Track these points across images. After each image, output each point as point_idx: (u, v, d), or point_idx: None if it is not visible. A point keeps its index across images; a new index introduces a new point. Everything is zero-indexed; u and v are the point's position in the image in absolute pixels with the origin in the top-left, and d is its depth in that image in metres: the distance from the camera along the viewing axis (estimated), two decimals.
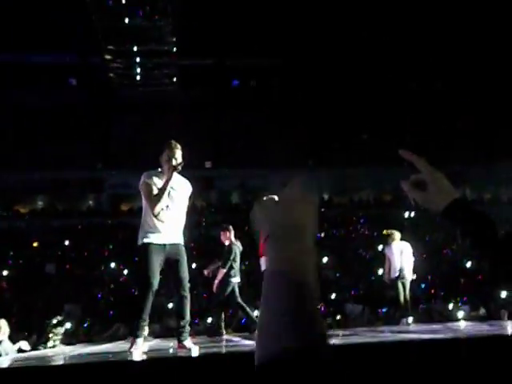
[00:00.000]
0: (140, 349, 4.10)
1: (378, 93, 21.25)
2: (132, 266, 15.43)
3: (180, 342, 4.26)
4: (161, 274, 4.33)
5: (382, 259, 10.08)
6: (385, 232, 9.72)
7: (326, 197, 22.13)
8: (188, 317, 4.33)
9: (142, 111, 21.27)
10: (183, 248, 4.40)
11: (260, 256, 6.41)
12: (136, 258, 16.59)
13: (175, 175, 4.39)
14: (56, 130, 20.16)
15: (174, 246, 4.34)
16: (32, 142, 19.89)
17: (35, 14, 18.51)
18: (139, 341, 4.14)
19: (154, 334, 9.12)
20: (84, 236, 17.80)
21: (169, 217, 4.29)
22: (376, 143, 20.09)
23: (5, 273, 15.88)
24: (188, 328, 4.32)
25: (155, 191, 4.30)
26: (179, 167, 4.38)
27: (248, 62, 21.53)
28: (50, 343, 7.96)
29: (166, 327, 12.23)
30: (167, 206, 4.30)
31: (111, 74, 19.38)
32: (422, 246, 12.54)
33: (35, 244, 16.94)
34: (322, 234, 19.37)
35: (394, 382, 2.70)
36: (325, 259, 16.71)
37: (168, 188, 4.30)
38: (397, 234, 9.36)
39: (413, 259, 9.33)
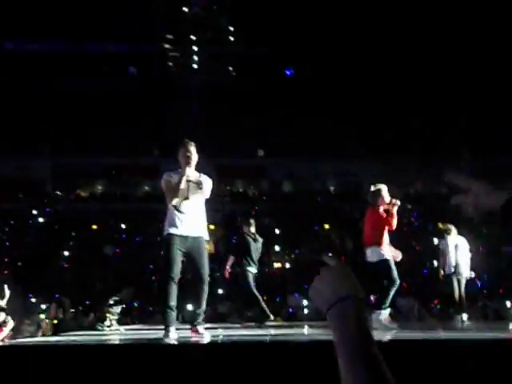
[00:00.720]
0: (172, 337, 4.16)
1: (435, 80, 20.54)
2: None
3: (193, 326, 4.49)
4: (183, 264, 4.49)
5: (436, 253, 9.83)
6: (440, 226, 9.47)
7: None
8: (204, 306, 4.58)
9: (197, 99, 21.55)
10: (204, 242, 4.67)
11: (366, 244, 6.22)
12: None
13: (193, 171, 4.70)
14: (115, 118, 20.79)
15: (196, 239, 4.58)
16: (93, 129, 20.63)
17: (96, 4, 19.09)
18: (171, 329, 4.26)
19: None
20: (140, 220, 18.37)
21: (189, 208, 4.53)
22: (430, 133, 19.50)
23: (66, 253, 16.68)
24: (202, 315, 4.56)
25: (173, 185, 4.58)
26: (191, 162, 4.66)
27: (302, 50, 21.32)
28: (106, 323, 8.29)
29: (216, 312, 12.46)
30: (187, 198, 4.53)
31: (169, 63, 19.75)
32: (479, 242, 12.12)
33: (94, 226, 17.62)
34: None
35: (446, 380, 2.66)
36: None
37: (184, 182, 4.56)
38: (453, 229, 9.09)
39: (469, 255, 9.04)
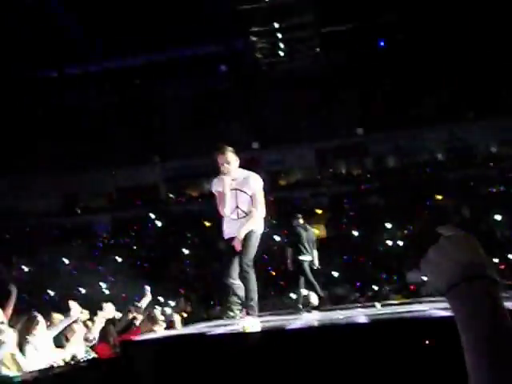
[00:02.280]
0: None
1: None
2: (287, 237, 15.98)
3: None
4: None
5: None
6: None
7: (493, 149, 20.28)
8: (250, 295, 4.53)
9: (290, 86, 21.56)
10: (249, 234, 4.50)
11: None
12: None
13: (237, 174, 4.57)
14: (211, 116, 21.51)
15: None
16: (197, 128, 21.52)
17: (179, 10, 19.81)
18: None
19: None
20: None
21: (240, 213, 4.51)
22: None
23: (186, 251, 17.67)
24: (251, 305, 4.51)
25: (220, 195, 4.55)
26: (225, 171, 4.52)
27: (393, 20, 20.41)
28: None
29: (334, 295, 12.50)
30: (237, 207, 4.50)
31: (258, 55, 19.98)
32: None
33: (207, 223, 18.44)
34: (494, 190, 17.87)
35: None
36: (498, 217, 15.48)
37: (228, 193, 4.49)
38: None
39: None
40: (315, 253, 8.25)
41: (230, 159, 4.54)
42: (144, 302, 7.03)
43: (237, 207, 4.51)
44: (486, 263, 0.82)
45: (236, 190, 4.53)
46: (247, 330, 3.63)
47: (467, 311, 0.78)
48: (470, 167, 19.15)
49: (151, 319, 6.09)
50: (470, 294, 0.79)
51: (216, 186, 4.64)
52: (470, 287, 0.79)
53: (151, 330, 5.73)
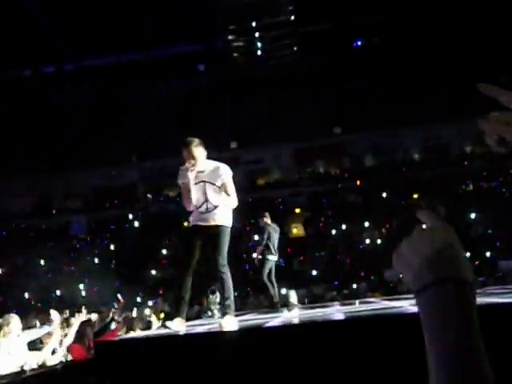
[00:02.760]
0: (175, 326, 3.85)
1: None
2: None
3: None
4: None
5: None
6: None
7: (467, 148, 20.64)
8: (227, 294, 4.27)
9: (267, 86, 21.57)
10: (220, 231, 4.34)
11: None
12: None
13: (206, 166, 4.42)
14: (189, 116, 21.37)
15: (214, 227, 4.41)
16: (174, 128, 21.38)
17: (157, 10, 19.67)
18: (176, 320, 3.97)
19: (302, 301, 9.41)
20: None
21: (209, 206, 4.35)
22: None
23: (164, 251, 17.54)
24: (228, 304, 4.23)
25: (186, 188, 4.38)
26: (191, 165, 4.35)
27: (369, 19, 20.59)
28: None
29: (312, 294, 12.54)
30: (206, 200, 4.35)
31: (235, 54, 19.94)
32: None
33: (185, 224, 18.33)
34: (471, 187, 18.17)
35: None
36: (473, 215, 15.74)
37: (194, 186, 4.33)
38: None
39: None
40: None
41: (196, 153, 4.38)
42: (119, 307, 6.94)
43: (206, 200, 4.34)
44: (462, 262, 0.74)
45: (204, 182, 4.37)
46: (225, 329, 3.61)
47: (435, 318, 0.71)
48: (445, 166, 19.45)
49: (128, 321, 6.03)
50: (438, 300, 0.71)
51: (181, 178, 4.45)
52: (440, 291, 0.71)
53: (128, 332, 5.66)
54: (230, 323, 3.93)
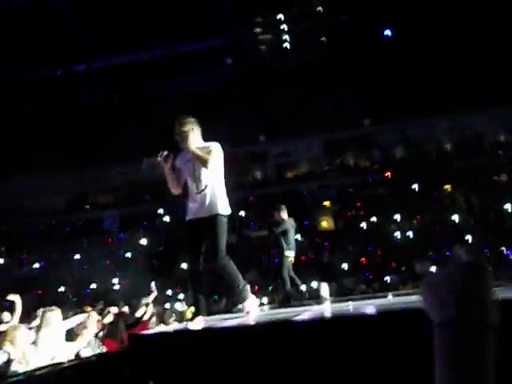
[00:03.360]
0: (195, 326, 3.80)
1: None
2: (301, 230, 15.92)
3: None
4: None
5: None
6: None
7: (501, 137, 20.10)
8: (235, 284, 4.11)
9: (295, 78, 21.45)
10: (216, 220, 4.15)
11: None
12: (306, 222, 17.20)
13: (197, 145, 4.23)
14: (217, 111, 21.44)
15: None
16: (203, 123, 21.48)
17: (182, 4, 19.77)
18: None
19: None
20: (255, 206, 18.89)
21: (200, 189, 4.18)
22: None
23: None
24: (241, 292, 4.08)
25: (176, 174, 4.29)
26: (181, 143, 4.25)
27: (398, 8, 20.21)
28: (239, 306, 8.70)
29: (342, 286, 12.48)
30: (198, 179, 4.18)
31: (262, 47, 19.89)
32: None
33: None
34: (505, 177, 17.72)
35: None
36: (507, 206, 15.37)
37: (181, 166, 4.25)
38: None
39: None
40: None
41: (185, 128, 4.24)
42: (150, 298, 7.06)
43: (195, 180, 4.17)
44: (490, 305, 0.73)
45: (193, 162, 4.20)
46: (248, 321, 3.58)
47: (450, 353, 0.71)
48: (479, 156, 18.99)
49: (159, 314, 6.12)
50: (459, 336, 0.71)
51: (178, 162, 4.34)
52: (463, 329, 0.71)
53: (159, 325, 5.76)
54: (252, 309, 3.82)
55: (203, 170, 4.12)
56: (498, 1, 18.59)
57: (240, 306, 8.82)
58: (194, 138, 4.25)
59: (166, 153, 4.23)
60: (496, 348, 0.71)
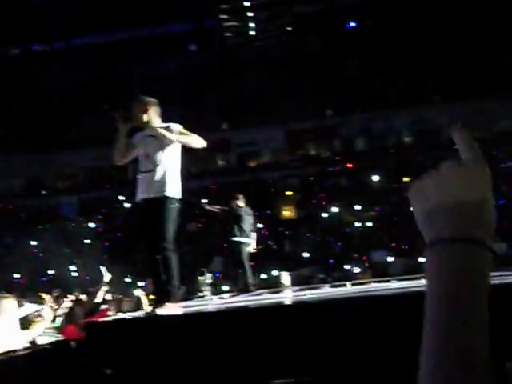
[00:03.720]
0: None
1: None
2: (264, 219, 15.97)
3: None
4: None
5: None
6: None
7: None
8: (168, 277, 3.78)
9: (259, 66, 21.41)
10: (165, 202, 3.96)
11: None
12: (268, 212, 17.29)
13: (154, 125, 4.07)
14: (181, 95, 21.20)
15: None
16: (165, 108, 21.22)
17: None
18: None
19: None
20: (217, 194, 18.83)
21: (148, 168, 4.02)
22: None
23: None
24: (171, 290, 3.78)
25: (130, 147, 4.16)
26: (133, 120, 4.09)
27: (365, 2, 20.39)
28: (199, 294, 8.69)
29: (302, 276, 12.62)
30: (148, 155, 3.97)
31: (228, 34, 19.72)
32: None
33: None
34: None
35: None
36: None
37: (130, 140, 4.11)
38: None
39: None
40: (253, 235, 7.96)
41: (145, 106, 4.09)
42: (106, 279, 6.92)
43: (146, 158, 3.97)
44: (485, 218, 0.62)
45: (147, 140, 4.04)
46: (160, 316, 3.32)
47: (436, 284, 0.60)
48: (435, 150, 19.50)
49: (117, 302, 6.04)
50: (444, 261, 0.60)
51: (133, 139, 4.18)
52: (450, 250, 0.60)
53: (117, 313, 5.68)
54: (169, 310, 3.55)
55: (157, 148, 4.01)
56: None
57: (200, 294, 8.79)
58: (155, 116, 4.16)
59: (126, 113, 4.08)
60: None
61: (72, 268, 16.36)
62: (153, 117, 4.12)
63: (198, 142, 4.13)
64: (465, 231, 0.61)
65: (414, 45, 19.98)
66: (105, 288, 6.67)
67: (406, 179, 18.16)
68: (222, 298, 6.58)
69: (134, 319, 3.71)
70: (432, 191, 0.66)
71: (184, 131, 4.06)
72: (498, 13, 18.77)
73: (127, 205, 19.90)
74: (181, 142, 4.04)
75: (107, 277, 6.98)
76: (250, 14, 18.33)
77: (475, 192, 0.62)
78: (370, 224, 16.13)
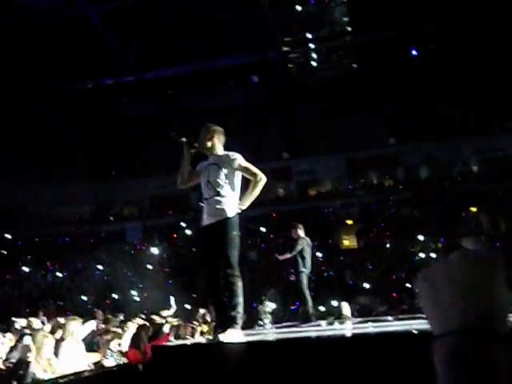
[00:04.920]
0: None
1: None
2: (323, 248, 15.78)
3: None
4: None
5: None
6: None
7: None
8: (232, 304, 3.79)
9: (322, 96, 21.49)
10: (227, 224, 4.03)
11: None
12: (330, 241, 17.04)
13: (215, 154, 4.22)
14: (243, 127, 21.61)
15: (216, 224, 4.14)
16: (229, 139, 21.65)
17: (211, 21, 20.12)
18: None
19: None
20: (278, 222, 18.85)
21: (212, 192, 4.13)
22: None
23: None
24: (231, 316, 3.75)
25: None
26: (199, 147, 4.22)
27: (425, 28, 20.15)
28: (260, 322, 8.68)
29: (363, 307, 12.31)
30: (208, 181, 4.10)
31: (290, 65, 20.00)
32: None
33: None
34: None
35: None
36: None
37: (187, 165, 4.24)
38: None
39: None
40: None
41: (211, 134, 4.27)
42: (170, 312, 7.07)
43: (208, 186, 4.09)
44: (494, 309, 0.59)
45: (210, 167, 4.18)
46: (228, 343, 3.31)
47: (448, 375, 0.58)
48: (506, 179, 18.66)
49: (176, 328, 6.14)
50: (460, 352, 0.58)
51: (198, 166, 4.33)
52: (465, 344, 0.58)
53: (176, 339, 5.77)
54: (232, 337, 3.52)
55: (220, 177, 4.13)
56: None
57: (261, 323, 8.77)
58: (219, 145, 4.32)
59: (192, 138, 4.28)
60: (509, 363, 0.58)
61: (134, 293, 16.79)
62: (217, 144, 4.28)
63: (262, 185, 4.20)
64: (475, 322, 0.59)
65: (480, 72, 19.45)
66: (170, 315, 6.82)
67: (473, 209, 17.46)
68: (283, 327, 6.54)
69: (199, 345, 3.77)
70: (440, 278, 0.64)
71: (245, 163, 4.17)
72: None
73: (189, 231, 20.32)
74: (254, 194, 4.17)
75: (174, 307, 7.14)
76: (312, 46, 18.55)
77: (484, 280, 0.61)
78: (434, 255, 15.55)
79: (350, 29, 17.71)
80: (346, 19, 17.39)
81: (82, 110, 23.24)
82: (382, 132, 21.14)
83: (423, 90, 20.12)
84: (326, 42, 18.37)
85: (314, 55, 18.95)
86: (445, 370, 0.58)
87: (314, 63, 19.37)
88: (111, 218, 23.00)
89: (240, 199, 4.15)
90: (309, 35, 17.85)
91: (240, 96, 22.56)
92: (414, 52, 21.78)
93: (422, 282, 0.68)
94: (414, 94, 20.31)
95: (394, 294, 14.16)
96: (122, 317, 9.12)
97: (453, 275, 0.62)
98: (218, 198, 4.03)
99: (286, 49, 18.70)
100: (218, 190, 4.05)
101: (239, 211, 4.12)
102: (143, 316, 8.63)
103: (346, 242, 18.32)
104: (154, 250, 19.30)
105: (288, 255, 7.75)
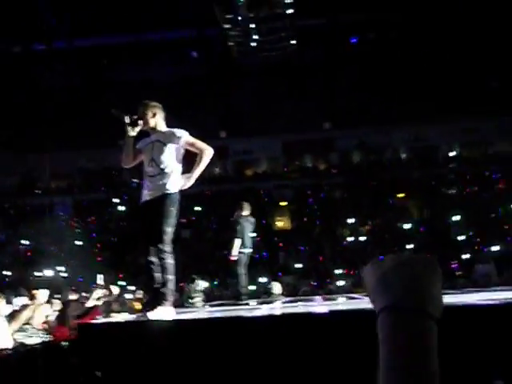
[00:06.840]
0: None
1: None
2: (260, 229, 15.92)
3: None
4: None
5: None
6: None
7: (455, 151, 20.85)
8: (162, 280, 3.77)
9: (260, 76, 21.53)
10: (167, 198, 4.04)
11: None
12: (263, 221, 17.28)
13: (158, 130, 4.22)
14: (179, 103, 21.23)
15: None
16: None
17: None
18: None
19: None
20: (213, 201, 18.85)
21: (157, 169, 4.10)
22: (507, 92, 18.32)
23: None
24: (161, 293, 3.72)
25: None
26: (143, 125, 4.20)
27: (365, 16, 20.58)
28: (189, 300, 8.67)
29: (290, 286, 12.60)
30: (152, 159, 4.09)
31: (230, 43, 19.79)
32: None
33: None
34: (454, 191, 18.40)
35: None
36: (457, 217, 15.95)
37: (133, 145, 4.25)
38: None
39: None
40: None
41: (152, 111, 4.22)
42: (100, 293, 6.92)
43: (151, 163, 4.06)
44: (429, 294, 0.73)
45: (152, 144, 4.14)
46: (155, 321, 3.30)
47: (389, 346, 0.70)
48: (431, 167, 19.64)
49: (107, 305, 6.03)
50: (386, 327, 0.71)
51: (139, 144, 4.30)
52: (392, 317, 0.71)
53: (107, 316, 5.67)
54: (161, 315, 3.51)
55: (162, 154, 4.07)
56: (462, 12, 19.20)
57: (191, 301, 8.76)
58: (162, 122, 4.24)
59: (135, 117, 4.16)
60: (438, 344, 0.72)
61: (62, 268, 16.26)
62: (160, 121, 4.21)
63: (209, 158, 4.22)
64: (419, 304, 0.71)
65: (413, 62, 20.17)
66: (99, 292, 6.68)
67: (401, 195, 18.25)
68: (213, 306, 6.58)
69: (126, 322, 3.71)
70: (388, 261, 0.76)
71: (191, 139, 4.15)
72: (499, 35, 19.03)
73: (121, 208, 19.85)
74: (202, 167, 4.16)
75: (102, 284, 6.99)
76: (253, 25, 18.45)
77: (428, 271, 0.74)
78: (363, 238, 16.17)
79: (291, 11, 17.74)
80: (288, 1, 17.38)
81: (8, 75, 21.87)
82: (318, 116, 21.50)
83: (360, 78, 20.60)
84: (266, 23, 18.32)
85: (255, 35, 18.86)
86: (388, 340, 0.71)
87: (253, 43, 19.28)
88: (38, 192, 22.01)
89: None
90: (250, 14, 17.72)
91: (178, 72, 22.11)
92: (353, 40, 22.22)
93: (369, 266, 0.79)
94: (351, 80, 20.75)
95: (321, 275, 14.61)
96: (48, 292, 8.81)
97: (401, 258, 0.76)
98: (161, 174, 4.00)
99: (226, 26, 18.47)
100: (162, 167, 4.02)
101: (181, 188, 4.09)
102: (73, 293, 8.41)
103: (279, 224, 18.62)
104: (84, 226, 18.74)
105: (235, 250, 7.69)
